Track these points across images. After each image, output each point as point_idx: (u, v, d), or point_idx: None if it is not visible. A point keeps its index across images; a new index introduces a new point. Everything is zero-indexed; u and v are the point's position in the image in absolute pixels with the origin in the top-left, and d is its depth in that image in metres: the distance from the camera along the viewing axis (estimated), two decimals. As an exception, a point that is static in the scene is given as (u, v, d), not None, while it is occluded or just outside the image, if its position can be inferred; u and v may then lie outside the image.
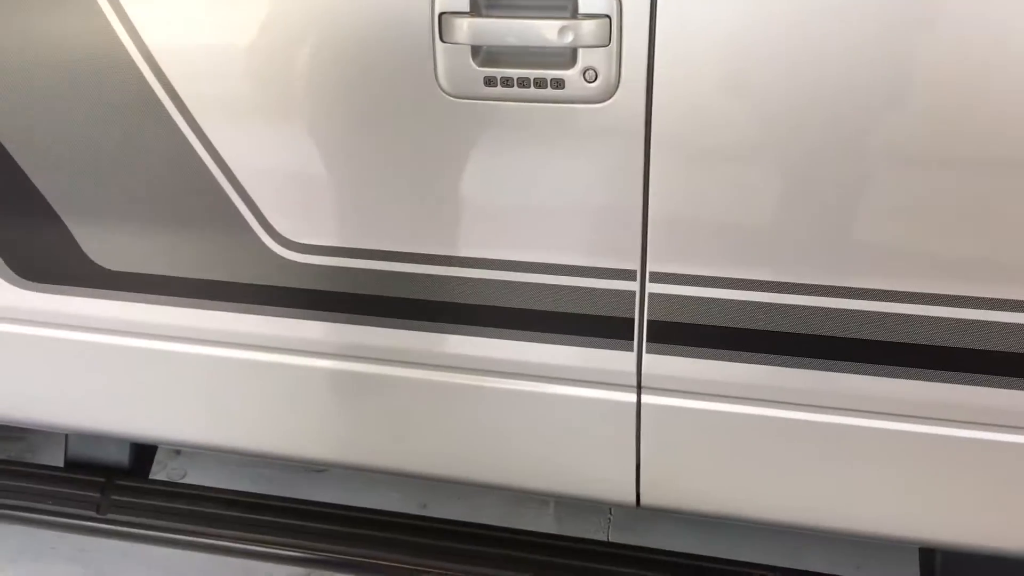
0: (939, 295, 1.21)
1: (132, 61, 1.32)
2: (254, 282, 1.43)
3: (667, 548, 1.67)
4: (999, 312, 1.21)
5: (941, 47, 1.10)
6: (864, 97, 1.14)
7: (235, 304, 1.46)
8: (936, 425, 1.31)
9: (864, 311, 1.25)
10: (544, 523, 2.13)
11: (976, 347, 1.23)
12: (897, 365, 1.27)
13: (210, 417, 1.61)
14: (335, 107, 1.30)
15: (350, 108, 1.30)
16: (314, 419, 1.55)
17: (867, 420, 1.33)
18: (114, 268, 1.47)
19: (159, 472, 2.30)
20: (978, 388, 1.26)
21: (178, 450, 2.35)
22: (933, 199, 1.17)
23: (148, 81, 1.33)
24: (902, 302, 1.22)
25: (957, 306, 1.22)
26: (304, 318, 1.45)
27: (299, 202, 1.37)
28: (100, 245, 1.46)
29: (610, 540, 2.07)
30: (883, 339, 1.26)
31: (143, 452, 1.79)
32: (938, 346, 1.24)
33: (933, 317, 1.22)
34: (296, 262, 1.40)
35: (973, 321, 1.22)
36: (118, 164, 1.40)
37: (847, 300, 1.25)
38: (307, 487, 2.24)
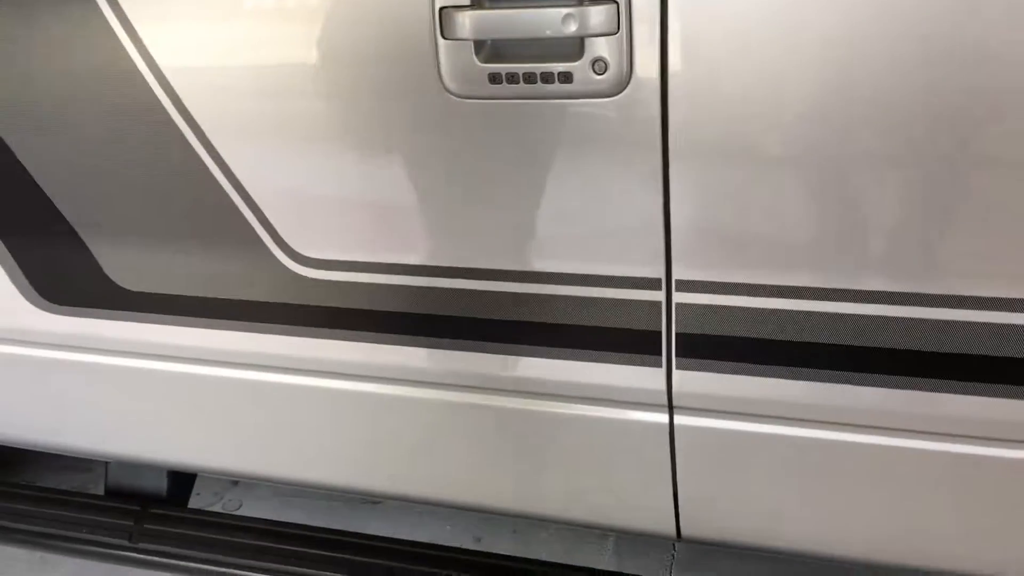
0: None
1: (145, 82, 1.30)
2: (270, 300, 1.38)
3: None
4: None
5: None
6: (900, 89, 1.02)
7: (257, 324, 1.41)
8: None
9: (928, 319, 1.11)
10: (603, 559, 2.02)
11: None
12: (976, 382, 1.13)
13: (241, 444, 1.57)
14: (342, 117, 1.25)
15: (357, 117, 1.24)
16: (339, 445, 1.49)
17: (937, 443, 1.18)
18: (135, 289, 1.45)
19: (215, 503, 2.28)
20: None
21: (235, 480, 2.33)
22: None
23: (161, 102, 1.30)
24: (948, 306, 1.09)
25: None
26: (325, 337, 1.39)
27: (310, 216, 1.31)
28: (121, 266, 1.44)
29: (672, 578, 1.94)
30: (954, 351, 1.12)
31: (180, 480, 1.76)
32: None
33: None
34: (311, 278, 1.34)
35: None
36: (135, 185, 1.38)
37: (905, 308, 1.12)
38: (361, 519, 2.18)
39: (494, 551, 1.77)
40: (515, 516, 1.51)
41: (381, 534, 1.71)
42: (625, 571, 1.90)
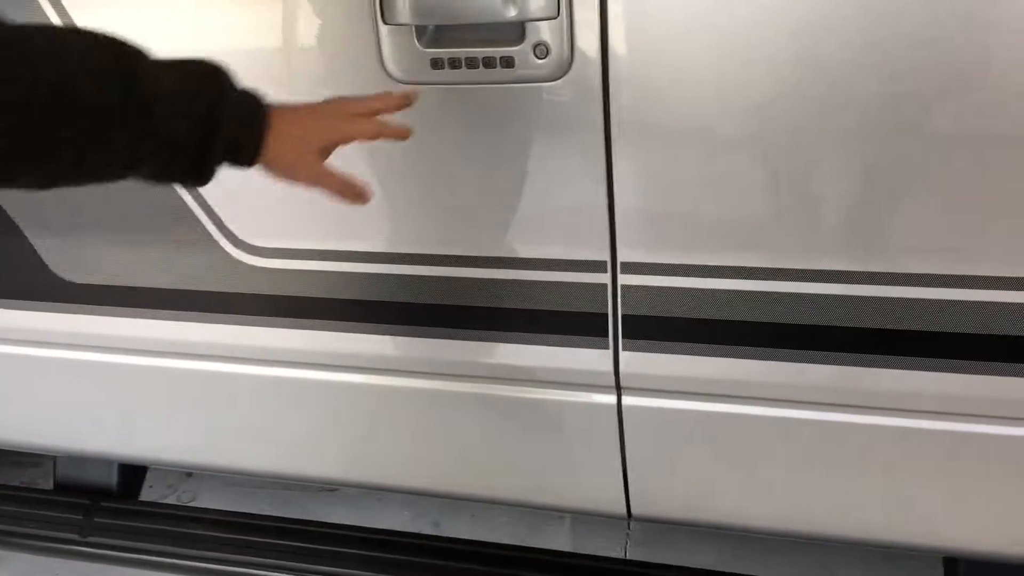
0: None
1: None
2: (217, 289, 1.37)
3: (686, 565, 1.56)
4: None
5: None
6: (844, 64, 1.03)
7: (202, 314, 1.40)
8: (960, 422, 1.19)
9: (872, 297, 1.13)
10: (560, 540, 2.03)
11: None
12: (907, 356, 1.15)
13: (191, 435, 1.56)
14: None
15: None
16: (289, 432, 1.49)
17: (877, 417, 1.21)
18: (78, 281, 1.43)
19: (169, 496, 2.26)
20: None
21: (189, 473, 2.31)
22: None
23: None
24: (891, 284, 1.11)
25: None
26: (273, 325, 1.38)
27: (255, 205, 1.30)
28: (63, 259, 1.42)
29: (628, 557, 1.96)
30: (904, 327, 1.14)
31: (131, 473, 1.74)
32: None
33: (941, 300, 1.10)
34: (256, 267, 1.33)
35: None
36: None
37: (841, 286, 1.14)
38: (319, 508, 2.17)
39: (453, 535, 1.78)
40: (469, 500, 1.52)
41: (339, 522, 1.72)
42: (582, 551, 1.93)
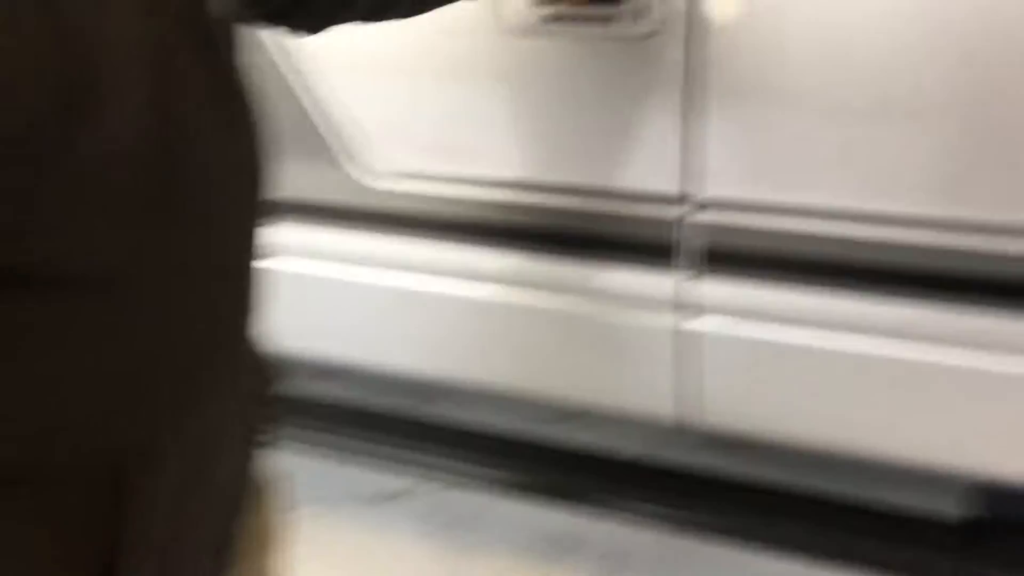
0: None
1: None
2: (343, 205, 1.59)
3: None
4: None
5: None
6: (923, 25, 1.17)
7: (327, 223, 1.62)
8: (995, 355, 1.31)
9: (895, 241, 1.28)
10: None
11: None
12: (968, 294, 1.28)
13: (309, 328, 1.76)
14: (416, 49, 1.45)
15: (430, 51, 1.44)
16: (408, 333, 1.69)
17: (917, 345, 1.34)
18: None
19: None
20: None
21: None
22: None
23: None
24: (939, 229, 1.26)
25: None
26: (387, 236, 1.59)
27: (381, 135, 1.52)
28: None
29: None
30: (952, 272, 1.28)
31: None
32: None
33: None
34: (376, 188, 1.56)
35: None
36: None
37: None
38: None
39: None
40: (567, 405, 1.70)
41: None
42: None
